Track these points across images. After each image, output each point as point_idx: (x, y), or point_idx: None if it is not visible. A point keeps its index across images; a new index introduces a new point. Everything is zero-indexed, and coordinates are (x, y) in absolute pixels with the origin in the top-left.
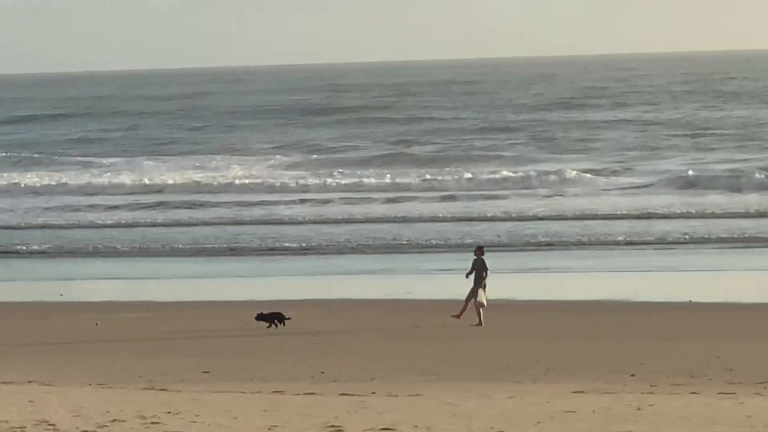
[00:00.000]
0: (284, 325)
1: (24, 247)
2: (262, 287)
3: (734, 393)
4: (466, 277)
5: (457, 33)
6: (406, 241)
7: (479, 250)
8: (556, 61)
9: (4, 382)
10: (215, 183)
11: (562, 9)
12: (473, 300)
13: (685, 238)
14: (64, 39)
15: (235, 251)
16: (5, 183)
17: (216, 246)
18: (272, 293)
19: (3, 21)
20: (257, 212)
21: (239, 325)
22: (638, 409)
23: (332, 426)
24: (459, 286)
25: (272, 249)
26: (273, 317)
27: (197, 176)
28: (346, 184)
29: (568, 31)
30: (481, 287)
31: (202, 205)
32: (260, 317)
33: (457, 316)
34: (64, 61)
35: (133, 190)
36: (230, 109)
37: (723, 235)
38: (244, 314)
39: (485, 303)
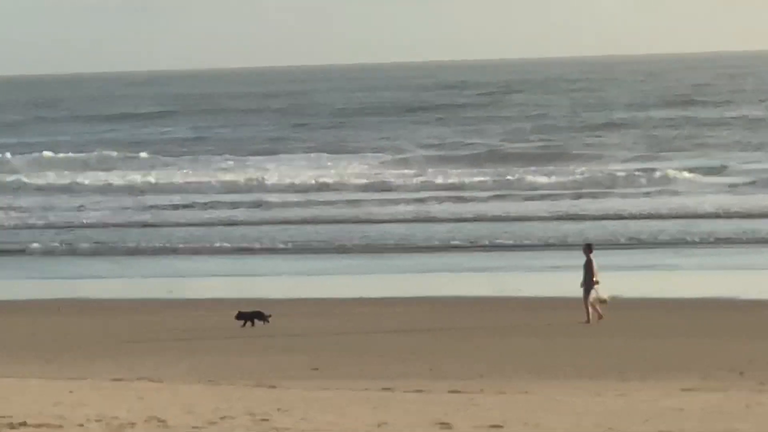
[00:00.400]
0: (267, 322)
1: (133, 245)
2: (369, 285)
3: None
4: (581, 286)
5: (566, 31)
6: (513, 238)
7: (587, 248)
8: (664, 59)
9: (114, 379)
10: (320, 181)
11: (670, 6)
12: (592, 298)
13: None
14: (170, 37)
15: (340, 249)
16: (113, 181)
17: (322, 244)
18: (379, 291)
19: (109, 19)
20: (363, 210)
21: (347, 321)
22: (747, 407)
23: (441, 423)
24: (567, 284)
25: (379, 247)
26: (253, 316)
27: (304, 174)
28: (453, 183)
29: (676, 28)
30: (594, 285)
31: (308, 202)
32: (240, 316)
33: (599, 317)
34: (170, 58)
35: (238, 188)
36: (338, 107)
37: None
38: (351, 311)
39: (607, 300)
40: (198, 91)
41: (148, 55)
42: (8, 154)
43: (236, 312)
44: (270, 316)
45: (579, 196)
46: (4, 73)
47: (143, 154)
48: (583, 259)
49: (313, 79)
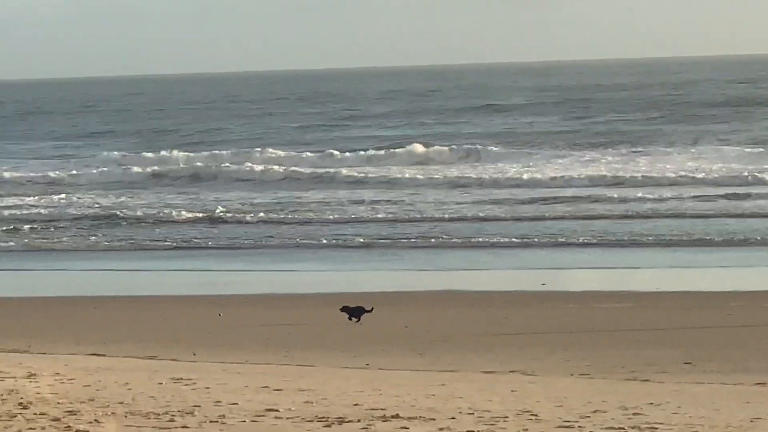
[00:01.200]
0: (359, 320)
1: (504, 239)
2: (743, 277)
3: None
4: None
5: None
6: None
7: None
8: None
9: (486, 372)
10: (681, 174)
11: None
12: None
13: None
14: (550, 28)
15: (704, 242)
16: (480, 175)
17: (685, 237)
18: (754, 284)
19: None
20: (720, 204)
21: (721, 315)
22: None
23: None
24: None
25: (743, 240)
26: (357, 311)
27: (668, 167)
28: None
29: None
30: None
31: (666, 197)
32: (344, 309)
33: None
34: (559, 49)
35: (601, 181)
36: (713, 98)
37: None
38: (725, 304)
39: None
40: (572, 83)
41: (540, 46)
42: (361, 151)
43: (342, 306)
44: (372, 309)
45: None
46: (390, 65)
47: (496, 149)
48: None
49: (689, 70)
